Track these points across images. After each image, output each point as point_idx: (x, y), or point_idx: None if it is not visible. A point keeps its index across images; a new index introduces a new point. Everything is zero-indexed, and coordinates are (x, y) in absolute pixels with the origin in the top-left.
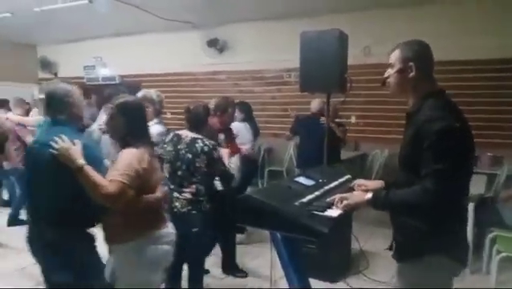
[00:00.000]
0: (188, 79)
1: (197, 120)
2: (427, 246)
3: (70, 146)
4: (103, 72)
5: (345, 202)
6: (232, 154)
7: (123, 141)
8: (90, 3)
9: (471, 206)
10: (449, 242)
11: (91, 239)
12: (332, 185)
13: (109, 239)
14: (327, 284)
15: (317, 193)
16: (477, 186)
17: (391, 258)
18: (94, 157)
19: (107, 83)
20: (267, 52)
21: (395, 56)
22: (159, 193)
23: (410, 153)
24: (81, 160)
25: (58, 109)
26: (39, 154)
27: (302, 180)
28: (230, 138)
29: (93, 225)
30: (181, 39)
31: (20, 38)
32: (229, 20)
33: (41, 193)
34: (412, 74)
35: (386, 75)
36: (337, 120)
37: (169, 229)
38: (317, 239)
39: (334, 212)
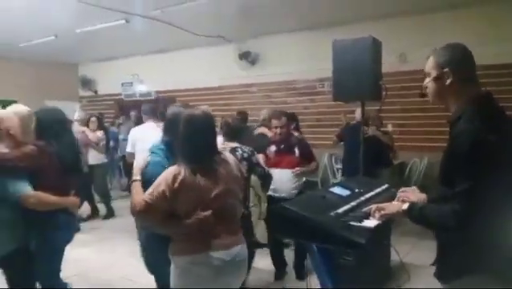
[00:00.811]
0: (221, 92)
1: (235, 131)
2: (469, 266)
3: (138, 162)
4: (139, 88)
5: (382, 212)
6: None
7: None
8: (127, 23)
9: None
10: (491, 260)
11: None
12: (369, 195)
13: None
14: None
15: (353, 203)
16: None
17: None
18: (151, 174)
19: (144, 98)
20: (299, 63)
21: (430, 64)
22: (192, 221)
23: (447, 167)
24: (137, 176)
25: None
26: None
27: (337, 190)
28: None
29: None
30: (214, 54)
31: (63, 58)
32: (260, 33)
33: None
34: (449, 80)
35: (424, 84)
36: (382, 128)
37: (224, 253)
38: (354, 250)
39: (371, 222)
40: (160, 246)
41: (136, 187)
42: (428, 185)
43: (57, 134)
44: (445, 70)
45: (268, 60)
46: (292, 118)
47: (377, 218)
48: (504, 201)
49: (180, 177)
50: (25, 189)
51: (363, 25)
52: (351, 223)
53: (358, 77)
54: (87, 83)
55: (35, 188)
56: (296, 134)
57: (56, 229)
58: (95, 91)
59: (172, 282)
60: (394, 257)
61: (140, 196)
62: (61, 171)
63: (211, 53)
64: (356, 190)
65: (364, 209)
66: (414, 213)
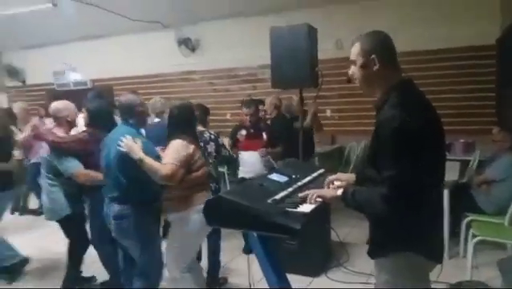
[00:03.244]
0: (161, 80)
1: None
2: (395, 245)
3: (132, 144)
4: (73, 77)
5: (317, 196)
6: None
7: (172, 135)
8: (54, 7)
9: (446, 193)
10: (418, 239)
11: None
12: (305, 180)
13: (167, 210)
14: (309, 279)
15: (290, 189)
16: (450, 173)
17: None
18: (151, 149)
19: (79, 88)
20: (240, 49)
21: (355, 51)
22: (201, 172)
23: (373, 152)
24: (141, 154)
25: (129, 114)
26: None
27: (275, 176)
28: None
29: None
30: (152, 40)
31: None
32: (198, 18)
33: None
34: (376, 67)
35: (350, 72)
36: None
37: None
38: (291, 236)
39: (306, 207)
40: None
41: (149, 160)
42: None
43: (104, 123)
44: (372, 56)
45: (208, 47)
46: (262, 104)
47: (314, 203)
48: (426, 185)
49: (191, 145)
50: (77, 167)
51: (301, 12)
52: (288, 209)
53: (295, 64)
54: (13, 72)
55: (85, 167)
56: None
57: (101, 202)
58: (23, 81)
59: (181, 232)
60: (335, 238)
61: (159, 165)
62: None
63: (149, 39)
64: (293, 176)
65: (300, 195)
66: (347, 198)
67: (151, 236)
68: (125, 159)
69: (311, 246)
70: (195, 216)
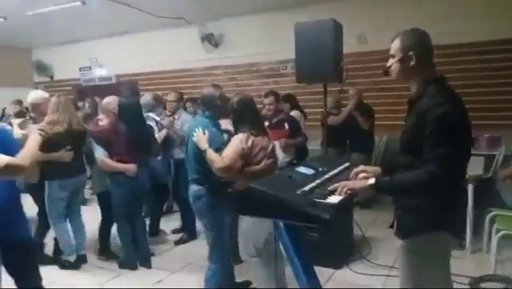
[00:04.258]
0: (184, 75)
1: None
2: (429, 223)
3: (201, 135)
4: (99, 73)
5: (347, 188)
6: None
7: (236, 129)
8: (82, 4)
9: (470, 188)
10: (448, 218)
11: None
12: (332, 172)
13: None
14: (331, 270)
15: (318, 181)
16: (475, 168)
17: (393, 243)
18: (216, 141)
19: (104, 83)
20: (262, 44)
21: (395, 46)
22: (262, 165)
23: (413, 138)
24: (206, 145)
25: (207, 106)
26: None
27: (302, 169)
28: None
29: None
30: (176, 36)
31: (15, 43)
32: (222, 14)
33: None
34: (412, 63)
35: (388, 64)
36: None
37: None
38: (320, 226)
39: (335, 198)
40: None
41: (210, 152)
42: (389, 159)
43: (130, 120)
44: (410, 53)
45: (231, 42)
46: (286, 98)
47: (343, 194)
48: (463, 167)
49: (250, 139)
50: (101, 153)
51: (324, 6)
52: (317, 200)
53: (320, 59)
54: (42, 68)
55: (110, 154)
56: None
57: (116, 186)
58: (51, 77)
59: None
60: (357, 231)
61: (219, 158)
62: (128, 146)
63: (173, 35)
64: (320, 169)
65: (330, 188)
66: (382, 184)
67: (221, 218)
68: (197, 148)
69: (334, 238)
70: None
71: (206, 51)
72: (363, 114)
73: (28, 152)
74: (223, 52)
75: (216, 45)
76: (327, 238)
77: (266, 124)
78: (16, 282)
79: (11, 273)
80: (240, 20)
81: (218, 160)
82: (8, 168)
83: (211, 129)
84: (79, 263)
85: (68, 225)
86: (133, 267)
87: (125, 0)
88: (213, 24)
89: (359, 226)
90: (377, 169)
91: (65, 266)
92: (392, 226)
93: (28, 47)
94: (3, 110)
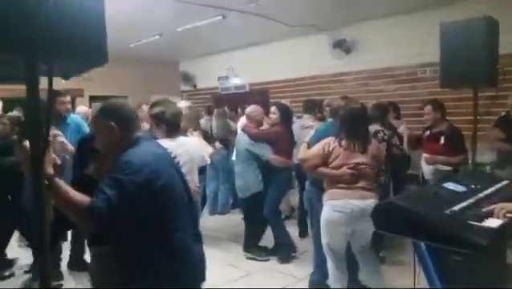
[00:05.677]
0: (314, 82)
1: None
2: None
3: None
4: (234, 82)
5: (507, 212)
6: None
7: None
8: (223, 18)
9: None
10: None
11: None
12: (488, 191)
13: None
14: None
15: (470, 200)
16: None
17: None
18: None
19: (239, 91)
20: (396, 48)
21: None
22: (339, 172)
23: None
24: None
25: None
26: None
27: (450, 185)
28: None
29: None
30: (307, 44)
31: (166, 56)
32: (354, 20)
33: None
34: None
35: None
36: None
37: (347, 203)
38: (475, 252)
39: (493, 222)
40: None
41: (304, 146)
42: None
43: (287, 121)
44: None
45: (362, 48)
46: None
47: (501, 218)
48: None
49: (332, 145)
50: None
51: (468, 3)
52: (470, 222)
53: (470, 61)
54: (188, 78)
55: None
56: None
57: (282, 181)
58: (195, 86)
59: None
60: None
61: (304, 151)
62: (289, 144)
63: (304, 43)
64: (472, 186)
65: (484, 209)
66: None
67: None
68: None
69: (481, 266)
70: (326, 208)
71: (336, 58)
72: None
73: None
74: (354, 58)
75: (348, 51)
76: (473, 265)
77: (427, 132)
78: None
79: None
80: (372, 24)
81: (302, 152)
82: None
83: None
84: None
85: None
86: None
87: (261, 12)
88: (343, 30)
89: None
90: None
91: None
92: None
93: (176, 60)
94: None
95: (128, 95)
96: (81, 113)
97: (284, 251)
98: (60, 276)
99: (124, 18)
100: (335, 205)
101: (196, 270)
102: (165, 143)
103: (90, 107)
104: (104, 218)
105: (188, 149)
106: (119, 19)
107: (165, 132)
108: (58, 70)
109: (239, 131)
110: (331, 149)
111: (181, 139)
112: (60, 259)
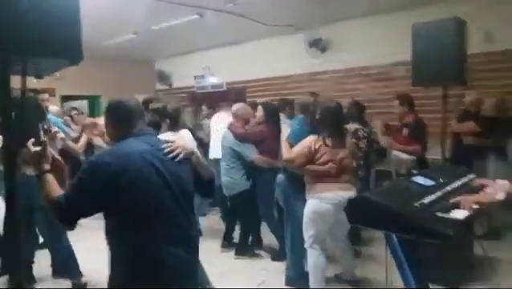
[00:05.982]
0: (289, 81)
1: (354, 115)
2: None
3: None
4: (211, 81)
5: (474, 203)
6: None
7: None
8: (200, 17)
9: None
10: None
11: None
12: (455, 185)
13: None
14: None
15: (438, 193)
16: None
17: None
18: (295, 139)
19: (216, 90)
20: (371, 48)
21: None
22: (325, 168)
23: None
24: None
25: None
26: None
27: (420, 180)
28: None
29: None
30: (284, 43)
31: (141, 55)
32: (331, 19)
33: None
34: None
35: None
36: None
37: (336, 195)
38: (441, 242)
39: (460, 213)
40: None
41: (285, 144)
42: None
43: (273, 121)
44: None
45: (338, 47)
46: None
47: (468, 209)
48: None
49: (317, 143)
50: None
51: (444, 4)
52: (438, 214)
53: (440, 60)
54: (163, 77)
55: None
56: None
57: (268, 180)
58: (170, 85)
59: (307, 211)
60: (477, 251)
61: (287, 150)
62: (275, 144)
63: (282, 42)
64: (441, 180)
65: (452, 200)
66: None
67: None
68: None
69: (450, 255)
70: (313, 201)
71: (312, 57)
72: None
73: None
74: (329, 56)
75: (323, 50)
76: (442, 255)
77: (398, 125)
78: None
79: None
80: (348, 24)
81: (285, 152)
82: None
83: (291, 128)
84: None
85: None
86: None
87: (239, 11)
88: (321, 29)
89: (482, 245)
90: (505, 184)
91: None
92: None
93: (151, 59)
94: None
95: (101, 95)
96: (53, 112)
97: (281, 250)
98: (32, 280)
99: (98, 15)
100: (324, 198)
101: (163, 273)
102: (168, 136)
103: (62, 106)
104: (64, 212)
105: (187, 143)
106: (92, 16)
107: (168, 125)
108: (31, 69)
109: (225, 129)
110: (317, 147)
111: (181, 132)
112: (32, 262)
